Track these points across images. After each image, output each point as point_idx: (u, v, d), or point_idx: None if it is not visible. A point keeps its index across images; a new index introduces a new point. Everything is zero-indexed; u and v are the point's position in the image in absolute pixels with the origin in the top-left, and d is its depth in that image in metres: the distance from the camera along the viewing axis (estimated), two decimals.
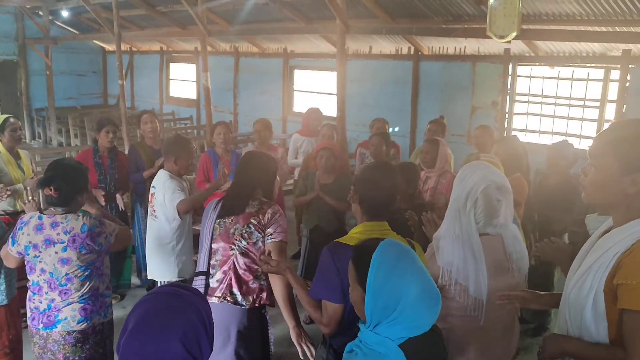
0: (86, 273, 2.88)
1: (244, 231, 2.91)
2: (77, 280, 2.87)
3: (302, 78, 10.59)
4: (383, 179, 2.41)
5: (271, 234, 2.89)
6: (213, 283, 2.96)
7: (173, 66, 13.66)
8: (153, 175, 5.11)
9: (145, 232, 5.27)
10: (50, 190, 2.87)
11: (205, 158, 5.27)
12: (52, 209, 2.89)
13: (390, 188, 2.41)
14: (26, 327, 4.16)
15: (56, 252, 2.84)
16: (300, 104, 10.48)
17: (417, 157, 5.66)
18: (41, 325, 2.93)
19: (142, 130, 5.33)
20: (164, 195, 4.00)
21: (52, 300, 2.92)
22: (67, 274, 2.86)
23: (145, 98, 13.84)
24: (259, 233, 2.91)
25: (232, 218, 2.95)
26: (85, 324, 2.90)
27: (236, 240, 2.92)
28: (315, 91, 10.30)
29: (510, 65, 7.44)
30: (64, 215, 2.87)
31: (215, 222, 2.98)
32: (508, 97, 7.53)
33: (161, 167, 5.04)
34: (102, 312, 2.98)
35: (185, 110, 12.82)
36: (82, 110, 13.89)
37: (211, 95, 8.68)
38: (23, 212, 4.57)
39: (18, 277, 3.72)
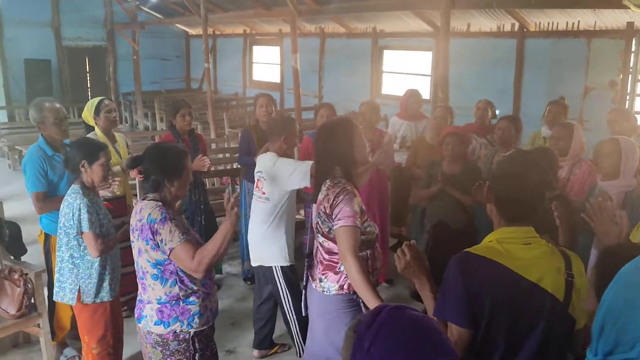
0: (156, 272, 2.58)
1: (318, 221, 2.70)
2: (149, 277, 2.60)
3: (392, 59, 10.08)
4: (528, 173, 1.93)
5: (334, 221, 2.61)
6: (313, 266, 2.87)
7: (256, 49, 13.47)
8: None
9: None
10: (140, 173, 2.68)
11: (308, 142, 4.97)
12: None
13: (537, 185, 1.94)
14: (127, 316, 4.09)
15: (135, 239, 2.62)
16: (390, 86, 10.01)
17: (535, 142, 5.12)
18: (136, 315, 2.74)
19: (256, 114, 5.08)
20: (276, 174, 3.70)
21: (141, 292, 2.73)
22: (142, 267, 2.62)
23: (227, 82, 13.78)
24: (328, 221, 2.63)
25: (315, 205, 2.77)
26: (162, 327, 2.60)
27: (316, 229, 2.73)
28: (406, 72, 9.77)
29: (634, 41, 6.66)
30: (147, 201, 2.62)
31: (313, 207, 2.84)
32: (630, 76, 6.75)
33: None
34: (185, 320, 2.61)
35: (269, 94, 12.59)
36: (167, 94, 14.02)
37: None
38: (123, 197, 4.44)
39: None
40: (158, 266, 2.56)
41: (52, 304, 3.97)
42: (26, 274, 3.81)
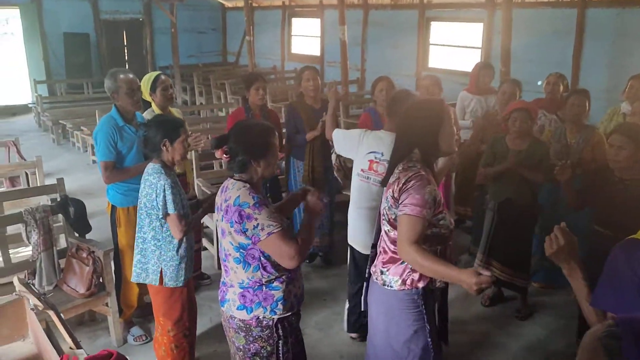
0: (238, 256, 2.44)
1: (386, 206, 2.50)
2: (232, 260, 2.47)
3: (440, 31, 9.75)
4: None
5: (400, 207, 2.40)
6: (376, 260, 2.64)
7: (295, 21, 13.22)
8: (315, 138, 4.73)
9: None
10: (225, 153, 2.52)
11: (366, 117, 4.78)
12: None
13: None
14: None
15: (219, 220, 2.50)
16: (437, 59, 9.71)
17: (613, 119, 4.86)
18: (219, 297, 2.64)
19: (302, 88, 4.86)
20: None
21: (223, 274, 2.62)
22: (225, 249, 2.49)
23: (265, 55, 13.57)
24: (395, 207, 2.43)
25: (385, 189, 2.57)
26: (245, 313, 2.48)
27: (383, 215, 2.53)
28: (455, 45, 9.46)
29: None
30: (234, 180, 2.48)
31: (383, 191, 2.64)
32: None
33: (323, 129, 4.61)
34: (268, 306, 2.48)
35: None
36: (204, 67, 13.89)
37: (336, 51, 8.12)
38: (183, 175, 4.35)
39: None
40: (241, 250, 2.44)
41: (119, 281, 3.93)
42: (93, 252, 3.76)
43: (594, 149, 4.19)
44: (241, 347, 2.55)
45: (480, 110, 5.37)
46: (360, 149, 3.57)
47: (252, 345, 2.52)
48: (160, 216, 3.08)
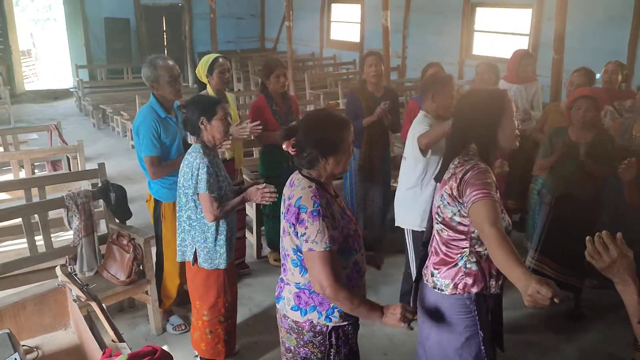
0: (296, 258, 2.29)
1: (440, 204, 2.31)
2: (290, 261, 2.33)
3: (485, 17, 9.43)
4: None
5: (466, 202, 2.18)
6: (427, 260, 2.47)
7: (335, 7, 13.00)
8: (373, 126, 4.58)
9: (356, 195, 4.79)
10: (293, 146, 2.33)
11: (414, 105, 4.61)
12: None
13: None
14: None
15: (282, 217, 2.34)
16: (481, 46, 9.40)
17: None
18: (276, 293, 2.50)
19: (365, 74, 4.71)
20: (413, 131, 3.59)
21: (282, 271, 2.47)
22: (284, 247, 2.35)
23: (304, 41, 13.40)
24: (453, 206, 2.25)
25: (438, 185, 2.40)
26: (299, 314, 2.33)
27: (436, 214, 2.35)
28: (501, 32, 9.13)
29: None
30: (300, 177, 2.31)
31: (435, 186, 2.49)
32: None
33: (381, 115, 4.46)
34: (324, 312, 2.31)
35: (348, 54, 12.18)
36: (242, 53, 13.83)
37: (377, 38, 7.90)
38: (232, 161, 4.26)
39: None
40: (298, 253, 2.29)
41: (160, 272, 3.87)
42: (134, 239, 3.71)
43: None
44: (291, 348, 2.43)
45: (520, 99, 5.13)
46: None
47: (302, 349, 2.39)
48: (192, 194, 3.01)
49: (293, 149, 2.31)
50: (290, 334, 2.40)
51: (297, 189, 2.27)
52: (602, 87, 4.82)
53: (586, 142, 3.80)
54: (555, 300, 1.78)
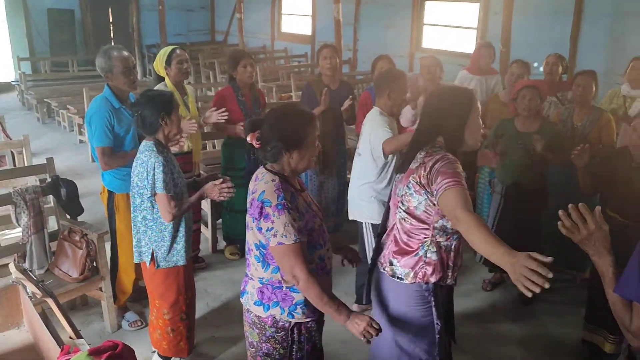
0: (258, 254, 2.29)
1: (404, 192, 2.34)
2: (253, 256, 2.33)
3: (435, 10, 9.59)
4: None
5: (437, 191, 2.21)
6: (383, 247, 2.50)
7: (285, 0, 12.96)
8: (327, 119, 4.59)
9: (319, 188, 4.82)
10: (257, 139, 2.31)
11: (366, 96, 4.67)
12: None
13: None
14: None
15: (247, 211, 2.33)
16: (431, 40, 9.56)
17: (613, 101, 4.78)
18: (241, 287, 2.50)
19: (320, 67, 4.72)
20: (370, 130, 3.59)
21: (246, 266, 2.46)
22: (248, 242, 2.34)
23: (255, 34, 13.30)
24: (420, 195, 2.28)
25: (401, 175, 2.42)
26: (262, 310, 2.32)
27: (399, 203, 2.37)
28: (450, 25, 9.31)
29: None
30: (264, 170, 2.31)
31: (394, 177, 2.53)
32: None
33: (325, 109, 4.51)
34: (287, 308, 2.30)
35: (299, 47, 12.17)
36: (192, 46, 13.61)
37: (328, 31, 7.94)
38: (190, 153, 4.21)
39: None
40: (261, 248, 2.28)
41: (114, 267, 3.80)
42: (86, 235, 3.62)
43: (601, 132, 4.10)
44: (254, 343, 2.43)
45: (480, 90, 5.27)
46: None
47: (264, 344, 2.39)
48: (149, 195, 2.95)
49: (257, 142, 2.30)
50: (253, 328, 2.40)
51: (260, 183, 2.26)
52: (544, 79, 4.99)
53: (533, 131, 3.94)
54: (548, 275, 1.72)
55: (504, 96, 4.72)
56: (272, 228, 2.17)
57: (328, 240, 2.42)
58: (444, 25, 9.43)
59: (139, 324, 3.86)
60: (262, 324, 2.36)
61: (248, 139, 2.31)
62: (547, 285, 1.72)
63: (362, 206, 3.75)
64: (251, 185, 2.34)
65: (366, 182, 3.68)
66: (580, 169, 3.47)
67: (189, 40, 14.46)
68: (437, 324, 2.44)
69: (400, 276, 2.40)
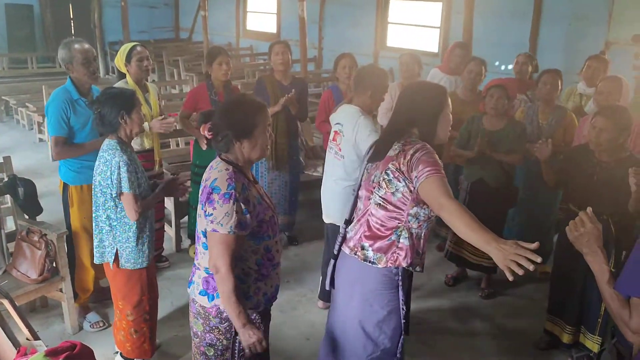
0: (205, 240, 2.31)
1: (381, 179, 2.40)
2: (201, 244, 2.34)
3: (399, 9, 9.68)
4: None
5: (417, 177, 2.29)
6: (349, 232, 2.56)
7: None
8: (279, 114, 4.60)
9: (270, 185, 4.81)
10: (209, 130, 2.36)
11: (328, 95, 4.70)
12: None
13: None
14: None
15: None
16: (395, 39, 9.65)
17: (570, 99, 4.92)
18: (189, 278, 2.50)
19: (272, 63, 4.72)
20: (355, 133, 3.40)
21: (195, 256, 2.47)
22: (198, 230, 2.36)
23: (220, 32, 13.19)
24: (399, 181, 2.35)
25: (376, 163, 2.49)
26: (206, 300, 2.34)
27: (374, 188, 2.43)
28: (413, 24, 9.41)
29: None
30: (219, 160, 2.33)
31: (365, 167, 2.56)
32: None
33: (287, 105, 4.51)
34: None
35: (264, 44, 12.07)
36: (156, 44, 13.44)
37: (293, 29, 7.93)
38: (151, 150, 4.18)
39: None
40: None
41: (73, 264, 3.74)
42: (45, 235, 3.56)
43: (565, 130, 4.20)
44: (198, 333, 2.44)
45: (449, 89, 5.34)
46: (333, 119, 3.61)
47: (208, 334, 2.40)
48: (114, 195, 2.93)
49: (209, 132, 2.34)
50: (198, 318, 2.42)
51: (214, 171, 2.28)
52: (514, 78, 5.10)
53: (497, 130, 4.03)
54: (537, 260, 1.83)
55: (462, 93, 4.79)
56: (212, 214, 2.19)
57: (278, 233, 2.45)
58: (408, 24, 9.53)
59: (101, 324, 3.81)
60: (207, 314, 2.36)
61: (201, 130, 2.33)
62: (532, 268, 1.85)
63: (345, 210, 3.65)
64: (205, 174, 2.35)
65: (350, 185, 3.55)
66: (542, 162, 3.56)
67: (152, 38, 14.27)
68: (403, 308, 2.52)
69: (372, 260, 2.46)
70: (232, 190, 2.18)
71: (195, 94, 4.52)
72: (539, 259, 1.83)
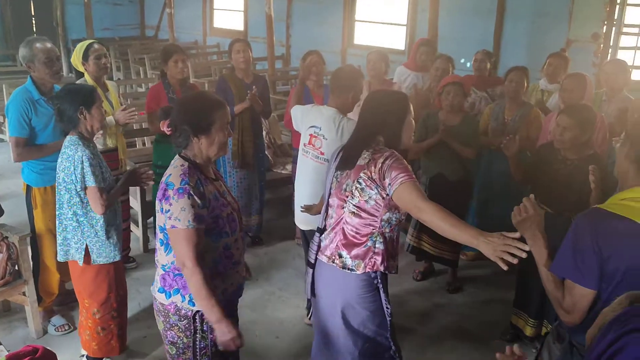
0: (162, 237, 2.30)
1: (354, 187, 2.45)
2: (158, 238, 2.35)
3: (366, 7, 9.72)
4: None
5: (390, 184, 2.35)
6: (324, 241, 2.59)
7: None
8: (244, 112, 4.58)
9: (239, 184, 4.79)
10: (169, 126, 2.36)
11: None
12: None
13: None
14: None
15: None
16: (363, 36, 9.69)
17: (532, 95, 5.02)
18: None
19: (233, 60, 4.70)
20: (340, 136, 3.28)
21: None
22: (157, 226, 2.36)
23: (186, 29, 13.06)
24: (371, 189, 2.41)
25: (346, 172, 2.53)
26: (164, 297, 2.34)
27: (347, 197, 2.48)
28: (380, 22, 9.46)
29: None
30: (178, 157, 2.33)
31: (334, 175, 2.59)
32: (614, 28, 6.71)
33: (253, 102, 4.50)
34: (187, 296, 2.31)
35: None
36: (121, 41, 13.23)
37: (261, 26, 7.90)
38: (115, 150, 4.12)
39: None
40: (165, 232, 2.29)
41: (37, 267, 3.68)
42: (7, 238, 3.48)
43: (529, 127, 4.27)
44: (161, 331, 2.45)
45: (415, 86, 5.40)
46: (304, 122, 3.53)
47: (169, 332, 2.40)
48: (79, 189, 2.90)
49: (168, 129, 2.34)
50: (159, 316, 2.42)
51: (171, 168, 2.29)
52: (473, 75, 5.17)
53: (454, 125, 4.09)
54: (526, 248, 1.92)
55: (429, 89, 4.85)
56: (169, 210, 2.19)
57: (238, 232, 2.44)
58: (375, 22, 9.58)
59: (67, 328, 3.74)
60: (166, 311, 2.36)
61: (160, 126, 2.33)
62: (524, 255, 1.91)
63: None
64: (166, 174, 2.34)
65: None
66: (510, 158, 3.63)
67: (117, 35, 14.02)
68: (387, 307, 2.59)
69: (351, 267, 2.51)
70: (186, 185, 2.19)
71: (154, 94, 4.46)
72: (527, 248, 1.93)
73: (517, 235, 1.96)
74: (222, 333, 2.24)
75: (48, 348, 1.90)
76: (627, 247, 1.76)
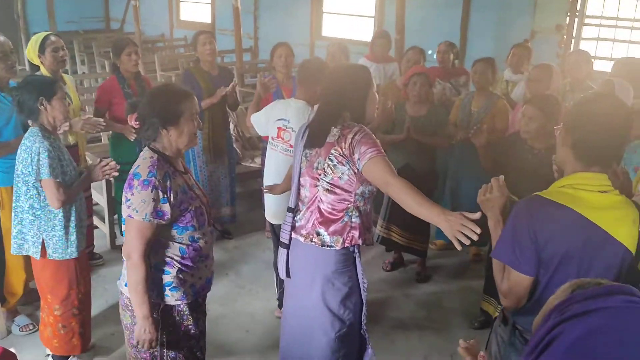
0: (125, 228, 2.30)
1: (326, 165, 2.45)
2: (123, 230, 2.35)
3: None
4: (614, 115, 1.80)
5: (359, 159, 2.36)
6: (299, 221, 2.62)
7: None
8: (212, 105, 4.54)
9: (210, 177, 4.75)
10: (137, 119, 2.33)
11: None
12: None
13: (624, 127, 1.82)
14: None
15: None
16: (330, 28, 9.67)
17: (497, 86, 5.08)
18: None
19: (198, 53, 4.64)
20: None
21: None
22: (122, 219, 2.35)
23: (153, 22, 12.87)
24: (343, 165, 2.42)
25: (315, 150, 2.52)
26: None
27: (320, 175, 2.48)
28: (348, 14, 9.46)
29: None
30: (147, 149, 2.31)
31: (302, 154, 2.58)
32: (576, 19, 6.82)
33: (224, 96, 4.46)
34: (155, 290, 2.30)
35: None
36: (86, 34, 12.96)
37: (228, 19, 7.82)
38: (76, 146, 4.03)
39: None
40: None
41: (2, 267, 3.58)
42: None
43: (495, 118, 4.31)
44: (128, 325, 2.42)
45: (378, 77, 5.41)
46: (270, 117, 3.51)
47: (134, 327, 2.37)
48: (33, 181, 2.84)
49: (136, 122, 2.31)
50: (125, 311, 2.40)
51: (140, 159, 2.27)
52: (438, 66, 5.21)
53: (420, 116, 4.12)
54: (477, 230, 1.96)
55: (401, 82, 4.87)
56: (130, 200, 2.19)
57: (206, 226, 2.43)
58: (343, 14, 9.56)
59: (31, 327, 3.66)
60: (132, 307, 2.33)
61: (128, 120, 2.30)
62: (475, 237, 1.97)
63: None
64: (135, 162, 2.33)
65: None
66: (479, 148, 3.67)
67: (81, 28, 13.74)
68: (364, 281, 2.61)
69: (330, 244, 2.51)
70: (152, 178, 2.18)
71: (107, 89, 4.37)
72: (478, 230, 1.96)
73: (476, 216, 2.00)
74: (144, 330, 2.26)
75: (8, 349, 1.85)
76: (563, 234, 1.77)
